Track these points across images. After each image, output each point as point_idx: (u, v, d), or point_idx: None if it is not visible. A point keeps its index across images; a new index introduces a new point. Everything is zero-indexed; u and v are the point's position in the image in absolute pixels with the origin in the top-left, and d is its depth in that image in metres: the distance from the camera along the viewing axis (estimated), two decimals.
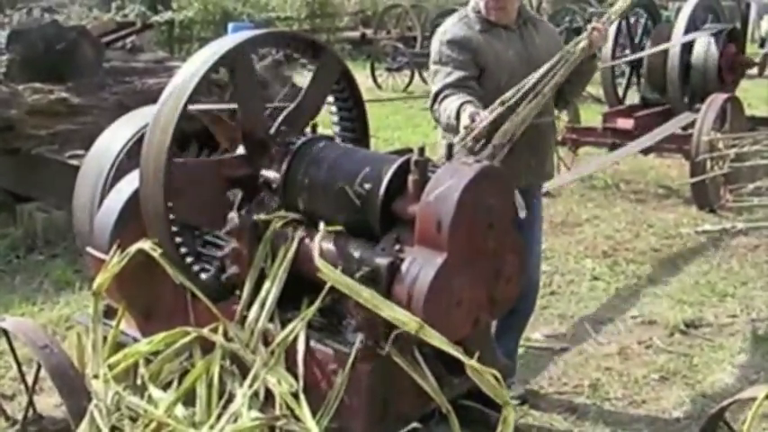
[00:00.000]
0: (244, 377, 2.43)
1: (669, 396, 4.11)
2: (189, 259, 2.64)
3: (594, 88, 9.49)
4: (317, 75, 2.92)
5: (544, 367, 4.39)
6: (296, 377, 2.36)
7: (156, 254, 2.56)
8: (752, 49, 13.53)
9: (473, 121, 3.18)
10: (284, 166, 2.61)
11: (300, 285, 2.51)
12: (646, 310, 5.16)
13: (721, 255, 6.17)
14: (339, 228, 2.47)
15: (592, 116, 9.28)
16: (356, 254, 2.40)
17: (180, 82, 2.59)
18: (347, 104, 3.04)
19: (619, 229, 6.80)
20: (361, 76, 11.91)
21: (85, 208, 3.02)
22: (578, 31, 15.12)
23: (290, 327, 2.44)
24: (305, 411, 2.28)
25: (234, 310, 2.55)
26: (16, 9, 9.81)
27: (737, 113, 7.68)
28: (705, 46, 8.06)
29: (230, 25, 13.52)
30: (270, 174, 2.65)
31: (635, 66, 8.98)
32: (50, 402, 3.37)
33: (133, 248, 2.61)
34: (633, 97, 9.28)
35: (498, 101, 3.27)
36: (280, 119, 2.77)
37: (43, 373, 2.79)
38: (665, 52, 8.04)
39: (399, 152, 2.68)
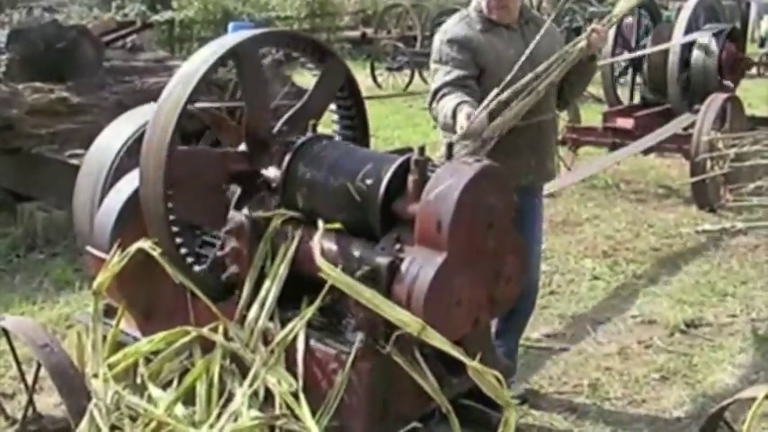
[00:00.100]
0: (244, 376, 2.42)
1: (669, 396, 4.11)
2: (189, 259, 2.64)
3: (595, 88, 9.49)
4: (322, 79, 2.92)
5: (544, 367, 4.39)
6: (296, 376, 2.36)
7: (156, 253, 2.55)
8: (752, 49, 13.52)
9: (468, 118, 3.18)
10: (284, 165, 2.61)
11: (300, 284, 2.51)
12: (646, 309, 5.16)
13: (721, 254, 6.17)
14: (339, 227, 2.46)
15: (592, 116, 9.28)
16: (356, 253, 2.40)
17: (180, 81, 2.58)
18: (347, 103, 3.04)
19: (619, 229, 6.80)
20: (362, 76, 11.93)
21: (85, 207, 3.02)
22: (578, 31, 15.15)
23: (289, 326, 2.44)
24: (305, 411, 2.28)
25: (234, 309, 2.55)
26: (16, 8, 9.80)
27: (737, 113, 7.68)
28: (705, 46, 8.06)
29: (230, 24, 13.50)
30: (270, 172, 2.65)
31: (635, 65, 8.98)
32: (50, 401, 3.37)
33: (133, 248, 2.61)
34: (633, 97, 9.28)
35: (492, 95, 3.26)
36: (282, 120, 2.76)
37: (43, 372, 2.79)
38: (666, 52, 8.04)
39: (399, 151, 2.67)
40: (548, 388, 4.18)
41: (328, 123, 3.10)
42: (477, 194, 2.26)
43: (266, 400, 2.37)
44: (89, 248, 2.85)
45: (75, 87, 6.75)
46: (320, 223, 2.45)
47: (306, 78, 4.06)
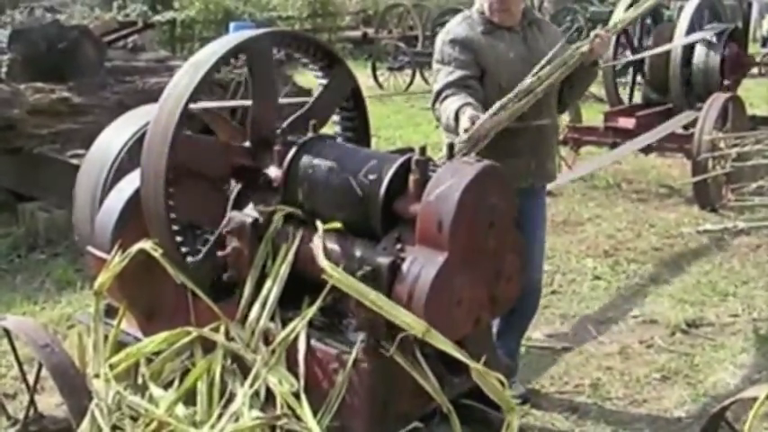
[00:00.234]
0: (245, 376, 2.43)
1: (670, 395, 4.11)
2: (190, 259, 2.64)
3: (596, 87, 9.48)
4: (329, 87, 2.92)
5: (545, 367, 4.39)
6: (297, 377, 2.36)
7: (157, 254, 2.56)
8: (753, 49, 13.51)
9: (473, 123, 3.18)
10: (286, 164, 2.61)
11: (301, 284, 2.51)
12: (647, 309, 5.16)
13: (723, 254, 6.17)
14: (339, 226, 2.46)
15: (593, 115, 9.27)
16: (357, 253, 2.40)
17: (181, 80, 2.59)
18: (350, 106, 3.05)
19: (620, 229, 6.80)
20: (363, 76, 11.91)
21: (86, 207, 3.02)
22: (580, 31, 15.16)
23: (291, 326, 2.44)
24: (306, 411, 2.28)
25: (235, 309, 2.55)
26: (18, 8, 9.80)
27: (739, 113, 7.67)
28: (707, 45, 8.05)
29: (232, 24, 13.51)
30: (271, 171, 2.65)
31: (637, 65, 8.98)
32: (52, 402, 3.38)
33: (134, 248, 2.61)
34: (634, 96, 9.28)
35: (498, 104, 3.27)
36: (287, 122, 2.76)
37: (44, 372, 2.79)
38: (667, 52, 8.04)
39: (401, 151, 2.67)
40: (549, 388, 4.18)
41: (329, 123, 3.10)
42: (478, 194, 2.26)
43: (267, 400, 2.37)
44: (90, 248, 2.85)
45: (77, 87, 6.75)
46: (319, 224, 2.45)
47: (307, 78, 4.05)
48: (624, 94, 9.29)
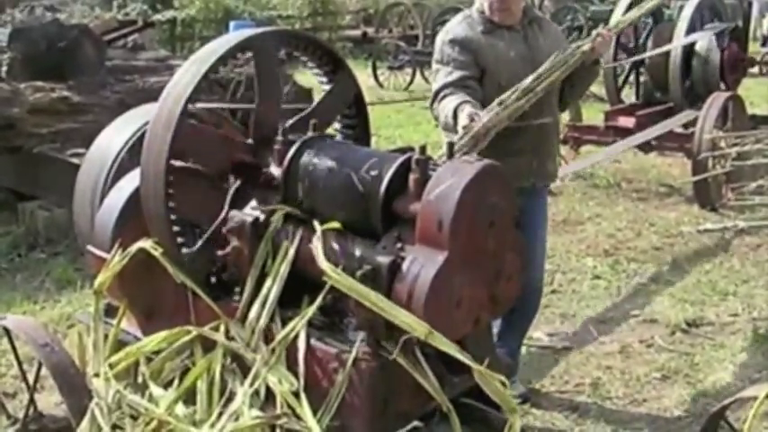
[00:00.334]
0: (245, 376, 2.42)
1: (670, 395, 4.11)
2: (185, 250, 2.63)
3: (596, 87, 9.48)
4: (332, 93, 2.91)
5: (545, 366, 4.39)
6: (297, 376, 2.36)
7: (157, 253, 2.55)
8: (754, 48, 13.51)
9: (472, 120, 3.18)
10: (286, 163, 2.61)
11: (301, 283, 2.51)
12: (647, 308, 5.16)
13: (723, 253, 6.17)
14: (338, 226, 2.46)
15: (593, 114, 9.28)
16: (357, 252, 2.40)
17: (183, 78, 2.59)
18: (351, 111, 3.04)
19: (620, 228, 6.80)
20: (363, 75, 11.92)
21: (86, 206, 3.01)
22: (580, 30, 15.16)
23: (290, 325, 2.44)
24: (306, 410, 2.28)
25: (235, 308, 2.55)
26: (18, 7, 9.79)
27: (739, 112, 7.67)
28: (707, 45, 8.05)
29: (232, 23, 13.51)
30: (271, 170, 2.65)
31: (637, 64, 8.98)
32: (51, 401, 3.38)
33: (134, 248, 2.61)
34: (633, 96, 9.28)
35: (497, 101, 3.27)
36: (288, 124, 2.75)
37: (44, 371, 2.79)
38: (668, 51, 8.04)
39: (401, 150, 2.67)
40: (549, 387, 4.18)
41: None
42: (478, 193, 2.25)
43: (267, 399, 2.37)
44: (90, 248, 2.84)
45: (77, 86, 6.76)
46: (317, 225, 2.44)
47: (307, 78, 4.04)
48: (625, 94, 9.28)
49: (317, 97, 6.48)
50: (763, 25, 19.31)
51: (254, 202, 2.67)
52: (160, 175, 2.53)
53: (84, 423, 2.46)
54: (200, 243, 2.63)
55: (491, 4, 3.58)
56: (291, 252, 2.51)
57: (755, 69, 10.10)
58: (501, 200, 2.33)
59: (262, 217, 2.58)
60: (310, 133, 2.71)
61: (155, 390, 2.49)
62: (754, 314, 5.05)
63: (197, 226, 2.75)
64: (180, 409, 2.42)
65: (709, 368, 4.38)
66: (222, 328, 2.53)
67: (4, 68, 6.77)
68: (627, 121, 8.14)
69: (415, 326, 2.18)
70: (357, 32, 19.88)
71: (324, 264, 2.30)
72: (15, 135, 6.35)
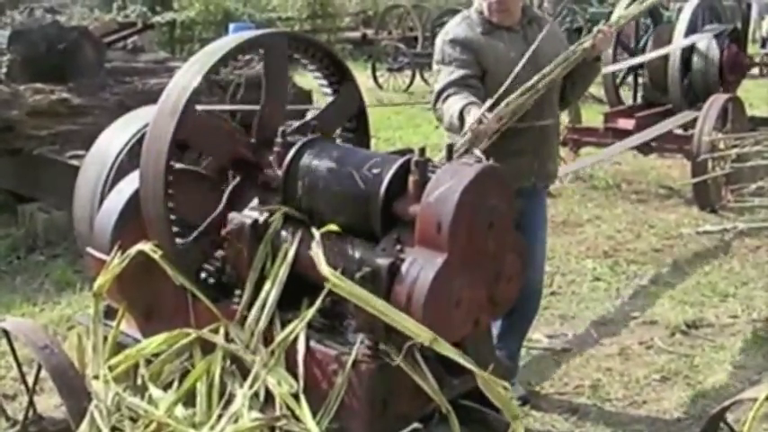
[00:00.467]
0: (244, 378, 2.42)
1: (670, 396, 4.11)
2: (179, 240, 2.63)
3: (596, 88, 9.49)
4: (335, 104, 2.91)
5: (545, 368, 4.39)
6: (296, 378, 2.36)
7: (157, 255, 2.55)
8: (753, 50, 13.52)
9: (480, 123, 3.17)
10: (285, 165, 2.61)
11: (301, 285, 2.51)
12: (647, 310, 5.16)
13: (722, 255, 6.17)
14: (337, 229, 2.46)
15: (593, 116, 9.28)
16: (356, 254, 2.40)
17: (191, 68, 2.59)
18: (352, 124, 3.04)
19: (620, 230, 6.80)
20: (363, 77, 11.92)
21: (86, 208, 3.01)
22: (579, 31, 15.16)
23: (290, 327, 2.44)
24: (305, 412, 2.28)
25: (234, 310, 2.54)
26: (18, 9, 9.79)
27: (739, 114, 7.68)
28: (706, 46, 8.05)
29: (231, 26, 13.51)
30: (270, 172, 2.65)
31: (635, 66, 8.97)
32: (51, 403, 3.38)
33: (133, 250, 2.61)
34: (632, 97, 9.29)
35: (504, 102, 3.27)
36: (291, 129, 2.75)
37: (44, 373, 2.79)
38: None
39: (400, 152, 2.67)
40: (549, 389, 4.18)
41: None
42: (477, 195, 2.25)
43: (267, 401, 2.37)
44: (89, 250, 2.84)
45: (76, 88, 6.76)
46: (315, 231, 2.44)
47: (307, 79, 4.03)
48: (624, 95, 9.29)
49: (316, 98, 6.52)
50: (762, 27, 19.30)
51: (252, 203, 2.66)
52: (159, 176, 2.53)
53: (84, 425, 2.46)
54: (194, 234, 2.62)
55: (489, 5, 3.58)
56: (291, 254, 2.51)
57: (755, 71, 10.09)
58: (500, 201, 2.33)
59: (261, 219, 2.58)
60: (310, 135, 2.71)
61: (154, 392, 2.49)
62: (754, 316, 5.05)
63: (197, 228, 2.75)
64: (179, 411, 2.42)
65: (708, 370, 4.38)
66: (222, 330, 2.53)
67: (4, 70, 6.77)
68: (626, 123, 8.14)
69: (419, 332, 2.18)
70: (356, 34, 19.89)
71: (325, 270, 2.29)
72: (15, 137, 6.34)
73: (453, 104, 3.38)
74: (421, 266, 2.21)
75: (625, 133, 8.00)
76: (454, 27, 3.63)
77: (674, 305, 5.21)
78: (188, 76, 2.58)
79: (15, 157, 6.46)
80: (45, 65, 6.84)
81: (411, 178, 2.36)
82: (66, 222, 5.22)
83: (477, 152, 2.67)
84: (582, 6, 18.10)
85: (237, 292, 2.58)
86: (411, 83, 15.26)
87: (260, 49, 2.74)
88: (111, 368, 2.55)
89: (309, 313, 2.42)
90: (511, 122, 3.32)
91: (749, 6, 9.85)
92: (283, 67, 2.81)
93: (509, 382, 2.50)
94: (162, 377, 2.56)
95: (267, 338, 2.46)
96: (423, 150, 2.39)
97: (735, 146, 6.90)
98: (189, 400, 2.46)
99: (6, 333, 2.95)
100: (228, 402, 2.39)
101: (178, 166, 2.66)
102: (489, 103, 3.28)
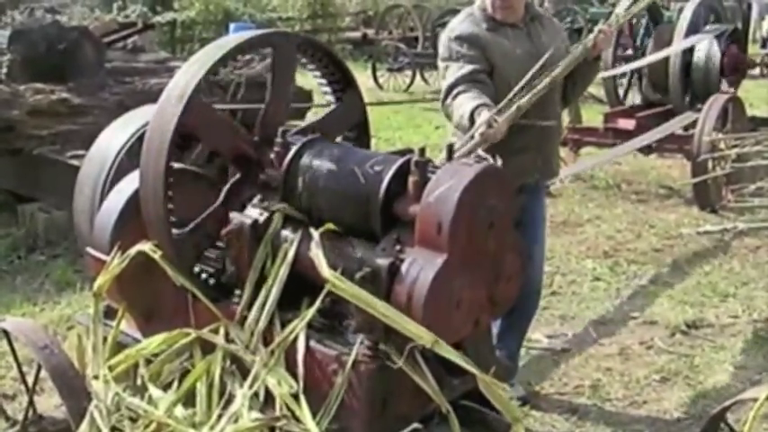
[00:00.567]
0: (244, 378, 2.42)
1: (670, 397, 4.11)
2: (175, 231, 2.63)
3: (596, 88, 9.50)
4: (335, 113, 2.91)
5: (545, 368, 4.39)
6: (296, 378, 2.36)
7: (157, 255, 2.55)
8: (753, 50, 13.52)
9: (490, 126, 3.17)
10: (285, 165, 2.60)
11: (301, 285, 2.51)
12: (647, 310, 5.16)
13: (722, 255, 6.17)
14: (336, 229, 2.46)
15: (593, 116, 9.28)
16: (356, 254, 2.40)
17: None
18: (352, 134, 3.03)
19: (620, 230, 6.80)
20: (363, 77, 11.93)
21: (85, 208, 3.01)
22: (580, 32, 15.17)
23: (290, 327, 2.43)
24: (305, 412, 2.28)
25: (234, 310, 2.54)
26: (18, 9, 9.79)
27: (739, 114, 7.68)
28: (707, 46, 8.05)
29: (231, 26, 13.51)
30: (270, 172, 2.65)
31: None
32: (51, 403, 3.38)
33: (133, 250, 2.60)
34: (634, 98, 9.28)
35: (515, 106, 3.27)
36: (291, 133, 2.75)
37: (44, 373, 2.79)
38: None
39: (400, 152, 2.67)
40: (548, 389, 4.18)
41: None
42: (477, 195, 2.25)
43: (266, 401, 2.37)
44: (89, 250, 2.84)
45: (77, 88, 6.76)
46: (314, 232, 2.44)
47: (307, 79, 4.02)
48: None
49: (316, 99, 6.51)
50: (762, 27, 19.31)
51: (252, 201, 2.66)
52: (159, 176, 2.52)
53: (84, 425, 2.46)
54: (190, 226, 2.62)
55: (493, 2, 3.58)
56: (291, 254, 2.50)
57: (755, 71, 10.09)
58: (500, 201, 2.33)
59: (261, 219, 2.58)
60: (311, 135, 2.71)
61: (154, 392, 2.48)
62: (754, 316, 5.05)
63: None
64: (179, 411, 2.42)
65: (708, 370, 4.38)
66: (221, 330, 2.53)
67: (4, 70, 6.77)
68: (627, 123, 8.14)
69: (421, 334, 2.18)
70: (357, 34, 19.88)
71: (326, 272, 2.29)
72: (15, 137, 6.35)
73: (464, 103, 3.36)
74: (421, 266, 2.21)
75: (625, 133, 8.00)
76: (459, 24, 3.63)
77: (675, 305, 5.21)
78: (197, 65, 2.59)
79: (16, 156, 6.46)
80: (45, 65, 6.84)
81: (411, 178, 2.36)
82: (67, 222, 5.22)
83: (480, 151, 2.68)
84: (582, 6, 18.13)
85: (237, 292, 2.58)
86: (411, 83, 15.26)
87: (270, 47, 2.73)
88: (110, 368, 2.55)
89: (309, 313, 2.42)
90: (514, 121, 3.32)
91: (749, 7, 9.85)
92: (290, 68, 2.81)
93: (508, 382, 2.50)
94: (162, 377, 2.56)
95: (267, 338, 2.46)
96: (423, 150, 2.39)
97: (735, 146, 6.90)
98: (189, 400, 2.46)
99: (6, 333, 2.95)
100: (228, 402, 2.39)
101: (178, 166, 2.67)
102: (500, 105, 3.27)
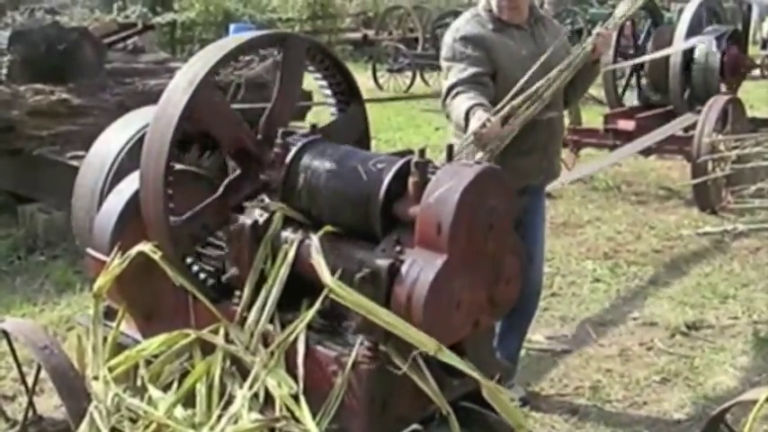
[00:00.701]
0: (244, 379, 2.42)
1: (670, 398, 4.11)
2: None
3: (596, 89, 9.50)
4: (338, 124, 2.90)
5: (545, 369, 4.39)
6: (296, 379, 2.36)
7: (157, 256, 2.55)
8: (753, 51, 13.52)
9: (483, 126, 3.18)
10: (285, 166, 2.60)
11: (300, 286, 2.51)
12: (647, 311, 5.16)
13: (722, 256, 6.17)
14: (337, 229, 2.46)
15: (593, 117, 9.29)
16: (356, 255, 2.39)
17: (200, 61, 2.59)
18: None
19: (620, 231, 6.80)
20: (363, 78, 11.92)
21: (85, 209, 3.01)
22: (580, 33, 15.18)
23: (290, 328, 2.43)
24: (305, 413, 2.27)
25: (234, 311, 2.54)
26: (18, 10, 9.80)
27: (739, 115, 7.68)
28: (707, 48, 8.06)
29: (232, 26, 13.53)
30: (270, 172, 2.65)
31: (636, 67, 8.98)
32: (51, 403, 3.38)
33: (134, 251, 2.60)
34: (633, 98, 9.28)
35: (509, 107, 3.28)
36: (294, 136, 2.74)
37: (44, 374, 2.79)
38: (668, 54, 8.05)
39: (400, 153, 2.67)
40: (548, 390, 4.18)
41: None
42: (477, 196, 2.25)
43: (266, 402, 2.37)
44: (89, 250, 2.84)
45: (77, 89, 6.76)
46: (314, 236, 2.44)
47: (307, 80, 4.02)
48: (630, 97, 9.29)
49: (316, 99, 6.51)
50: (762, 28, 19.32)
51: (252, 203, 2.66)
52: (159, 177, 2.52)
53: (84, 426, 2.46)
54: (187, 215, 2.61)
55: (499, 2, 3.58)
56: (291, 255, 2.50)
57: (756, 72, 10.10)
58: (500, 203, 2.33)
59: (261, 219, 2.57)
60: (311, 136, 2.71)
61: (154, 393, 2.48)
62: (754, 317, 5.05)
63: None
64: (179, 411, 2.42)
65: (709, 371, 4.38)
66: (221, 331, 2.52)
67: (4, 71, 6.78)
68: (626, 124, 8.15)
69: (425, 341, 2.18)
70: (357, 35, 19.90)
71: (328, 279, 2.29)
72: (15, 137, 6.35)
73: (461, 104, 3.38)
74: (421, 267, 2.21)
75: (625, 134, 8.01)
76: (464, 24, 3.63)
77: (674, 306, 5.21)
78: (210, 55, 2.59)
79: (15, 157, 6.46)
80: (45, 65, 6.85)
81: (411, 179, 2.36)
82: (67, 223, 5.19)
83: (479, 156, 2.69)
84: (582, 7, 18.13)
85: (237, 292, 2.57)
86: (411, 84, 15.27)
87: (281, 46, 2.72)
88: (110, 369, 2.55)
89: (309, 314, 2.42)
90: (518, 128, 3.34)
91: (749, 8, 9.86)
92: (299, 70, 2.80)
93: (508, 383, 2.50)
94: (162, 378, 2.55)
95: (267, 339, 2.46)
96: (423, 151, 2.39)
97: (735, 147, 6.91)
98: (189, 400, 2.45)
99: (6, 334, 2.95)
100: (228, 403, 2.39)
101: (178, 166, 2.66)
102: (497, 108, 3.28)
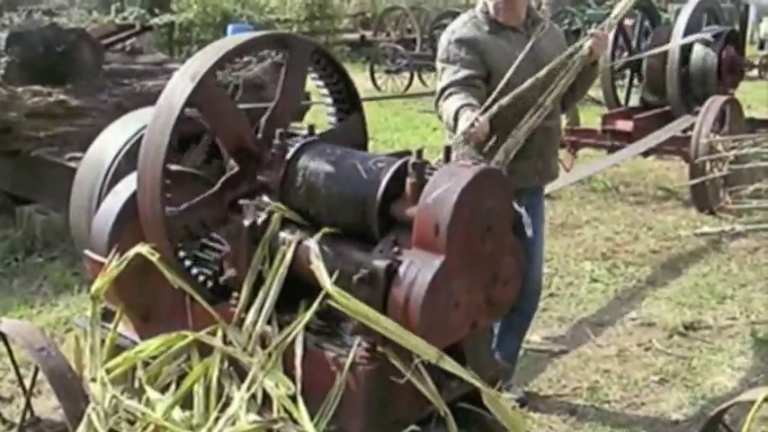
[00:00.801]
0: (242, 380, 2.42)
1: (668, 398, 4.11)
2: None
3: (594, 90, 9.50)
4: (337, 132, 2.90)
5: (543, 370, 4.39)
6: (294, 380, 2.36)
7: (155, 258, 2.55)
8: (751, 51, 13.53)
9: (472, 126, 3.19)
10: (283, 166, 2.60)
11: (298, 287, 2.51)
12: (645, 312, 5.16)
13: (720, 257, 6.17)
14: (335, 231, 2.46)
15: (591, 118, 9.29)
16: (354, 256, 2.40)
17: (205, 56, 2.59)
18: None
19: (618, 232, 6.80)
20: (361, 78, 11.93)
21: (83, 210, 3.01)
22: (577, 33, 15.18)
23: (287, 329, 2.43)
24: (303, 414, 2.28)
25: (232, 312, 2.54)
26: (16, 11, 9.78)
27: (737, 115, 7.68)
28: (704, 48, 8.06)
29: (230, 27, 13.52)
30: (268, 173, 2.65)
31: (634, 68, 8.98)
32: (48, 405, 3.37)
33: (131, 252, 2.60)
34: (632, 99, 9.28)
35: (497, 105, 3.28)
36: (294, 139, 2.74)
37: (41, 376, 2.79)
38: (665, 54, 8.05)
39: (398, 154, 2.67)
40: (547, 390, 4.18)
41: (326, 125, 3.10)
42: (475, 197, 2.25)
43: (264, 403, 2.37)
44: (87, 252, 2.84)
45: (75, 90, 6.75)
46: (312, 239, 2.43)
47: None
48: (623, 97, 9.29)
49: (315, 99, 6.50)
50: (760, 29, 19.34)
51: (250, 201, 2.65)
52: (157, 178, 2.52)
53: (81, 428, 2.46)
54: (184, 206, 2.61)
55: (496, 4, 3.59)
56: (288, 256, 2.50)
57: (753, 73, 10.11)
58: (498, 204, 2.33)
59: (259, 220, 2.57)
60: (309, 137, 2.71)
61: (152, 394, 2.48)
62: (752, 318, 5.05)
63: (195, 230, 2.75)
64: (177, 413, 2.42)
65: (707, 372, 4.38)
66: (219, 332, 2.52)
67: (2, 72, 6.76)
68: (625, 125, 8.14)
69: (425, 349, 2.18)
70: (355, 36, 19.91)
71: (329, 286, 2.28)
72: (13, 139, 6.34)
73: (451, 105, 3.41)
74: (419, 268, 2.21)
75: (623, 135, 8.01)
76: (461, 27, 3.64)
77: (672, 307, 5.21)
78: (213, 51, 2.60)
79: (13, 158, 6.45)
80: (43, 67, 6.84)
81: (409, 180, 2.36)
82: (64, 224, 5.19)
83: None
84: (579, 8, 18.14)
85: (235, 294, 2.57)
86: (409, 84, 15.26)
87: (286, 46, 2.73)
88: (108, 371, 2.55)
89: (307, 315, 2.42)
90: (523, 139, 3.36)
91: (747, 8, 9.86)
92: (303, 72, 2.81)
93: (506, 384, 2.50)
94: (159, 379, 2.56)
95: (265, 340, 2.46)
96: (420, 152, 2.39)
97: (733, 148, 6.91)
98: (186, 402, 2.45)
99: (3, 335, 2.95)
100: (226, 405, 2.39)
101: (176, 168, 2.66)
102: (484, 107, 3.30)
